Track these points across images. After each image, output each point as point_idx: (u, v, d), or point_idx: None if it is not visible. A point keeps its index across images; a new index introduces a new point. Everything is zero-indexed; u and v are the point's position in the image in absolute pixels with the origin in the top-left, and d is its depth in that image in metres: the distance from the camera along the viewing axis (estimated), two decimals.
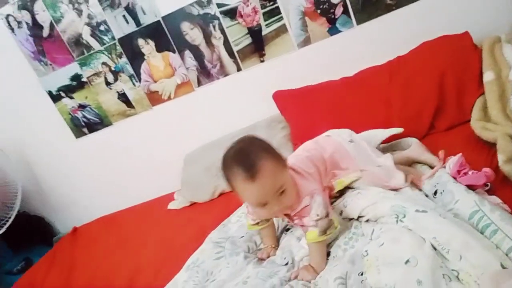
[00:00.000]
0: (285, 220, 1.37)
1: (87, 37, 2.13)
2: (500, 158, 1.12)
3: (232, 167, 1.04)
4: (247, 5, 1.88)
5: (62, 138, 2.42)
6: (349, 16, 1.82)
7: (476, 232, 0.91)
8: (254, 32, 1.94)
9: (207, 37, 1.99)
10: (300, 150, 1.28)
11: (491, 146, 1.24)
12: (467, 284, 0.82)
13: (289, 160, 1.18)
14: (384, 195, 1.10)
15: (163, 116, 2.23)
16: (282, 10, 1.87)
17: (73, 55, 2.19)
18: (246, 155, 1.04)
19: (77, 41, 2.15)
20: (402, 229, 0.98)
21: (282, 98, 1.96)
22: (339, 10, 1.82)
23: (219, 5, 1.91)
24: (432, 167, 1.30)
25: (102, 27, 2.08)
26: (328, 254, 1.14)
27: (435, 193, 1.12)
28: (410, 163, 1.37)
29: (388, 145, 1.51)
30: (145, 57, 2.11)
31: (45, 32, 2.17)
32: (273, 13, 1.88)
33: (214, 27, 1.96)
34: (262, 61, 2.00)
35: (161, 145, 2.29)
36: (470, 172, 1.06)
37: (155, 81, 2.16)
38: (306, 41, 1.91)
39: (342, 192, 1.27)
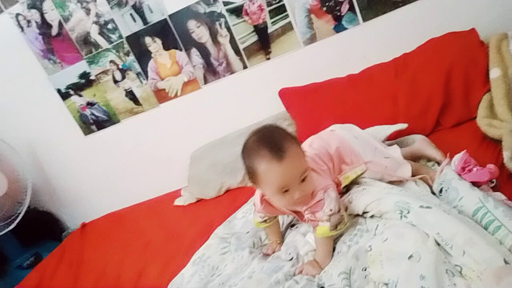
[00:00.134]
0: (290, 216, 1.38)
1: (95, 35, 2.15)
2: (506, 155, 1.12)
3: (258, 149, 1.03)
4: (253, 3, 1.89)
5: (71, 135, 2.45)
6: (355, 13, 1.82)
7: (480, 228, 0.91)
8: (260, 30, 1.94)
9: (214, 35, 2.00)
10: (306, 146, 1.28)
11: (497, 143, 1.24)
12: (470, 279, 0.82)
13: None
14: (389, 191, 1.11)
15: (170, 113, 2.25)
16: (288, 7, 1.87)
17: (82, 53, 2.21)
18: (272, 138, 1.05)
19: (85, 40, 2.17)
20: (406, 224, 0.98)
21: (288, 96, 1.96)
22: (345, 7, 1.82)
23: (225, 3, 1.92)
24: (438, 163, 1.31)
25: (109, 26, 2.10)
26: (333, 249, 1.14)
27: (441, 191, 1.12)
28: (416, 158, 1.37)
29: (393, 142, 1.51)
30: (152, 55, 2.13)
31: (54, 31, 2.20)
32: (279, 10, 1.89)
33: (220, 25, 1.97)
34: (268, 59, 2.00)
35: (168, 142, 2.31)
36: (474, 169, 1.06)
37: (162, 79, 2.18)
38: (312, 39, 1.92)
39: (347, 188, 1.27)
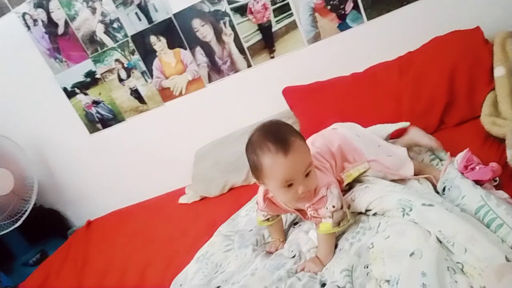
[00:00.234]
0: (293, 214, 1.38)
1: (100, 34, 2.16)
2: (509, 153, 1.12)
3: (263, 143, 1.03)
4: (257, 2, 1.89)
5: (77, 134, 2.47)
6: (359, 12, 1.81)
7: (482, 226, 0.91)
8: (264, 29, 1.95)
9: (218, 33, 2.01)
10: (308, 145, 1.27)
11: (500, 142, 1.23)
12: (472, 276, 0.82)
13: None
14: (391, 189, 1.11)
15: (175, 112, 2.26)
16: (292, 6, 1.87)
17: (87, 52, 2.23)
18: (277, 132, 1.06)
19: (91, 39, 2.19)
20: (408, 222, 0.98)
21: (291, 94, 1.97)
22: (349, 6, 1.82)
23: (229, 2, 1.92)
24: (433, 151, 1.35)
25: (115, 25, 2.12)
26: (336, 246, 1.15)
27: (444, 189, 1.12)
28: (411, 148, 1.38)
29: (396, 141, 1.50)
30: (157, 53, 2.14)
31: (60, 30, 2.22)
32: (283, 9, 1.89)
33: (224, 23, 1.98)
34: (272, 57, 2.01)
35: (173, 141, 2.33)
36: (477, 167, 1.05)
37: (166, 78, 2.19)
38: (316, 37, 1.92)
39: (350, 186, 1.28)
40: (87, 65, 2.26)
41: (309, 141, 1.32)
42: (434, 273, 0.81)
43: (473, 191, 1.00)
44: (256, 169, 1.08)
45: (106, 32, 2.15)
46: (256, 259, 1.26)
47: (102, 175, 2.56)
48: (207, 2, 1.95)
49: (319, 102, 1.84)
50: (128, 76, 2.24)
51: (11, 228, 2.29)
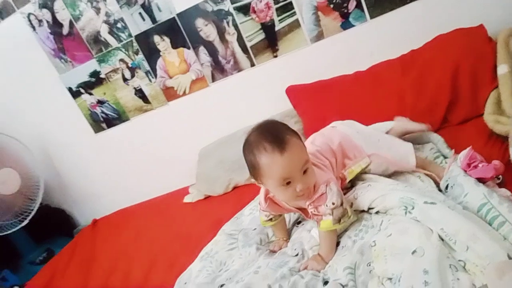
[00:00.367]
0: (296, 214, 1.39)
1: (105, 34, 2.18)
2: None
3: (259, 143, 1.05)
4: (260, 1, 1.90)
5: (82, 133, 2.49)
6: (363, 10, 1.81)
7: (484, 223, 0.91)
8: (267, 28, 1.95)
9: (221, 33, 2.02)
10: (308, 144, 1.29)
11: (504, 140, 1.23)
12: (474, 274, 0.82)
13: None
14: (394, 187, 1.11)
15: (179, 111, 2.27)
16: (295, 5, 1.87)
17: (92, 52, 2.25)
18: (273, 131, 1.07)
19: (96, 39, 2.20)
20: (410, 220, 0.99)
21: (295, 93, 1.97)
22: (352, 4, 1.82)
23: (232, 1, 1.93)
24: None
25: (119, 25, 2.13)
26: (338, 244, 1.15)
27: (447, 187, 1.12)
28: (400, 137, 1.41)
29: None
30: (161, 53, 2.15)
31: (65, 30, 2.23)
32: (286, 8, 1.89)
33: (227, 23, 1.99)
34: (275, 56, 2.01)
35: (177, 140, 2.34)
36: (480, 165, 1.05)
37: (170, 77, 2.20)
38: (319, 36, 1.92)
39: (352, 184, 1.28)
40: (92, 65, 2.28)
41: (309, 140, 1.33)
42: (436, 270, 0.81)
43: (476, 189, 1.00)
44: (254, 169, 1.09)
45: (111, 32, 2.16)
46: (260, 258, 1.26)
47: (107, 174, 2.57)
48: (210, 2, 1.96)
49: (322, 101, 1.84)
50: (132, 75, 2.26)
51: (17, 227, 2.31)
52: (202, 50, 2.09)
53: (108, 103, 2.37)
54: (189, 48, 2.10)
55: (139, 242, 1.91)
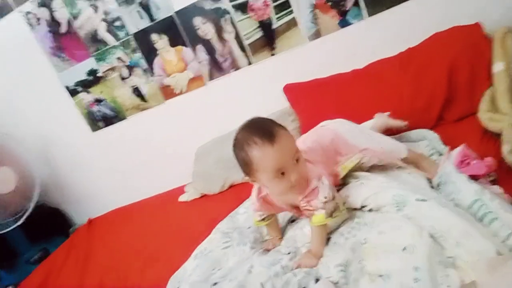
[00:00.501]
0: (290, 213, 1.38)
1: (102, 33, 2.17)
2: (505, 148, 1.11)
3: (249, 138, 1.05)
4: None
5: (79, 132, 2.48)
6: (360, 8, 1.81)
7: (475, 220, 0.91)
8: (265, 26, 1.95)
9: (219, 31, 2.01)
10: (299, 143, 1.28)
11: (497, 137, 1.22)
12: (463, 270, 0.82)
13: None
14: (387, 185, 1.11)
15: (176, 109, 2.27)
16: (292, 3, 1.87)
17: (90, 51, 2.24)
18: (261, 125, 1.09)
19: (93, 37, 2.20)
20: (401, 217, 0.99)
21: (292, 91, 1.96)
22: (349, 2, 1.81)
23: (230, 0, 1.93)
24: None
25: (117, 23, 2.13)
26: (328, 239, 1.15)
27: (439, 184, 1.11)
28: (382, 132, 1.45)
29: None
30: (159, 51, 2.15)
31: (63, 29, 2.23)
32: (284, 6, 1.89)
33: (225, 21, 1.98)
34: (273, 55, 2.01)
35: (174, 138, 2.33)
36: (473, 162, 1.05)
37: (168, 76, 2.20)
38: (317, 34, 1.91)
39: (345, 182, 1.27)
40: (90, 63, 2.28)
41: (300, 139, 1.34)
42: (426, 267, 0.81)
43: (468, 186, 0.99)
44: (246, 165, 1.09)
45: (108, 31, 2.16)
46: (253, 256, 1.26)
47: (104, 173, 2.57)
48: (208, 0, 1.95)
49: (320, 99, 1.84)
50: (130, 74, 2.25)
51: (13, 226, 2.30)
52: (200, 48, 2.08)
53: (105, 102, 2.37)
54: (187, 47, 2.09)
55: (135, 241, 1.90)
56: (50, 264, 2.12)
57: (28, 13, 2.24)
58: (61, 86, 2.38)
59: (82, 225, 2.44)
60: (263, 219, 1.30)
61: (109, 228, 2.20)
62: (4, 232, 2.28)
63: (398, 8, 1.76)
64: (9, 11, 2.26)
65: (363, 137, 1.32)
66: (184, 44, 2.09)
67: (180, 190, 2.14)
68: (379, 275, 0.89)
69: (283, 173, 1.05)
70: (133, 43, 2.16)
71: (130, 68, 2.23)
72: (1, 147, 2.32)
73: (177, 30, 2.06)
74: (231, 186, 1.95)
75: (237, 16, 1.96)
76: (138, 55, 2.19)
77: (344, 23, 1.86)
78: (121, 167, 2.50)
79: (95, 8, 2.13)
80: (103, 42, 2.20)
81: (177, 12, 2.02)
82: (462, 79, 1.54)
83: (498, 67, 1.42)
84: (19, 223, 2.32)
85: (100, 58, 2.25)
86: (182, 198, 2.06)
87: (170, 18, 2.04)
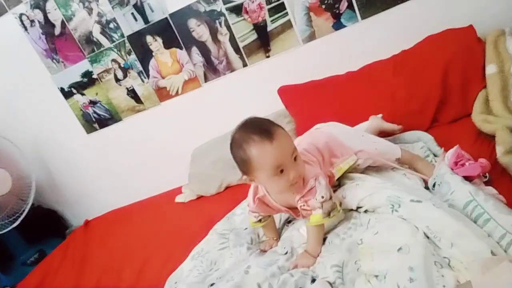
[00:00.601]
0: (287, 214, 1.40)
1: (97, 34, 2.18)
2: (499, 150, 1.13)
3: (247, 138, 1.06)
4: (253, 2, 1.90)
5: (74, 134, 2.49)
6: (354, 11, 1.82)
7: (469, 221, 0.92)
8: (260, 28, 1.96)
9: (214, 33, 2.02)
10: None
11: (491, 139, 1.24)
12: (458, 271, 0.83)
13: None
14: (382, 186, 1.12)
15: (171, 111, 2.27)
16: (287, 5, 1.88)
17: (84, 53, 2.24)
18: (258, 124, 1.10)
19: (88, 39, 2.20)
20: (396, 218, 1.00)
21: (287, 93, 1.98)
22: (343, 5, 1.83)
23: (225, 2, 1.93)
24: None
25: (111, 25, 2.13)
26: (324, 239, 1.16)
27: (434, 185, 1.14)
28: (376, 134, 1.48)
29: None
30: (153, 53, 2.15)
31: (57, 30, 2.23)
32: (278, 9, 1.90)
33: (220, 23, 1.99)
34: (267, 57, 2.02)
35: (169, 140, 2.34)
36: (467, 163, 1.07)
37: (163, 77, 2.20)
38: (311, 37, 1.93)
39: (340, 183, 1.29)
40: (84, 65, 2.28)
41: (295, 142, 1.33)
42: (422, 267, 0.82)
43: (462, 187, 1.01)
44: (245, 164, 1.09)
45: (103, 33, 2.16)
46: (250, 257, 1.27)
47: (100, 175, 2.57)
48: (202, 2, 1.96)
49: (314, 101, 1.85)
50: (125, 76, 2.25)
51: (9, 228, 2.30)
52: (194, 50, 2.09)
53: (100, 104, 2.37)
54: (181, 49, 2.10)
55: (132, 242, 1.90)
56: (46, 266, 2.12)
57: (21, 15, 2.24)
58: (56, 88, 2.38)
59: (78, 226, 2.44)
60: (259, 220, 1.31)
61: (106, 229, 2.20)
62: (0, 234, 2.27)
63: (392, 10, 1.78)
64: (3, 13, 2.25)
65: (357, 139, 1.33)
66: (179, 46, 2.10)
67: (177, 191, 2.15)
68: (375, 275, 0.90)
69: (281, 171, 1.06)
70: (128, 45, 2.16)
71: (125, 70, 2.24)
72: None
73: (172, 32, 2.07)
74: (227, 188, 1.96)
75: (232, 18, 1.97)
76: (132, 57, 2.19)
77: (338, 26, 1.87)
78: (117, 168, 2.50)
79: (89, 10, 2.13)
80: (97, 44, 2.20)
81: (171, 14, 2.03)
82: (456, 81, 1.56)
83: (491, 69, 1.45)
84: (15, 224, 2.32)
85: (94, 60, 2.25)
86: (179, 199, 2.07)
87: (164, 20, 2.05)
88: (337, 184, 1.30)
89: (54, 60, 2.31)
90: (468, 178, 1.06)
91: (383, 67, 1.76)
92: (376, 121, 1.54)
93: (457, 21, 1.66)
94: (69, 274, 1.92)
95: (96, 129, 2.45)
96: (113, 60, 2.22)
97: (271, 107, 2.02)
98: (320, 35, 1.92)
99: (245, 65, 2.06)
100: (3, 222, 2.29)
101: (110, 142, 2.46)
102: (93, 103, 2.37)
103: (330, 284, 0.98)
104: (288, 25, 1.93)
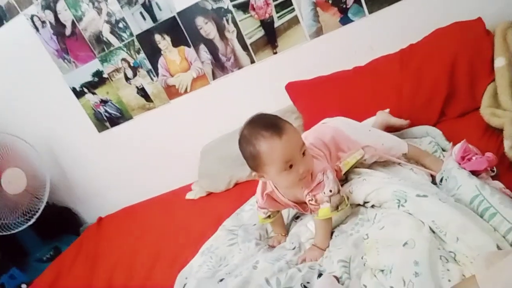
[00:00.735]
0: (295, 210, 1.40)
1: (107, 34, 2.20)
2: (507, 144, 1.12)
3: (256, 133, 1.08)
4: None
5: (86, 132, 2.53)
6: (361, 5, 1.81)
7: (475, 215, 0.92)
8: (267, 25, 1.96)
9: (221, 30, 2.03)
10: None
11: (499, 133, 1.23)
12: (463, 265, 0.83)
13: None
14: (388, 180, 1.12)
15: (180, 109, 2.29)
16: (293, 1, 1.88)
17: (94, 52, 2.27)
18: (266, 120, 1.12)
19: (98, 39, 2.23)
20: (402, 213, 1.00)
21: (294, 89, 1.98)
22: (350, 0, 1.82)
23: None
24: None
25: (120, 24, 2.15)
26: (332, 234, 1.17)
27: (441, 180, 1.13)
28: (383, 129, 1.47)
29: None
30: (162, 52, 2.17)
31: (68, 31, 2.26)
32: (285, 5, 1.90)
33: (227, 20, 2.00)
34: (275, 53, 2.02)
35: (179, 137, 2.36)
36: (474, 158, 1.06)
37: (171, 75, 2.22)
38: (318, 32, 1.92)
39: (348, 178, 1.29)
40: (95, 65, 2.31)
41: (302, 137, 1.34)
42: (427, 262, 0.83)
43: (469, 181, 1.00)
44: (254, 160, 1.11)
45: (112, 32, 2.19)
46: (258, 253, 1.28)
47: (112, 173, 2.61)
48: (210, 0, 1.97)
49: (322, 97, 1.85)
50: (135, 75, 2.28)
51: (25, 226, 2.35)
52: (202, 48, 2.10)
53: (111, 102, 2.40)
54: (189, 46, 2.11)
55: (143, 239, 1.93)
56: (61, 262, 2.16)
57: (33, 16, 2.28)
58: (67, 88, 2.41)
59: (92, 223, 2.48)
60: (268, 217, 1.33)
61: (118, 226, 2.24)
62: (16, 231, 2.33)
63: (399, 4, 1.76)
64: (15, 15, 2.29)
65: (364, 134, 1.34)
66: (187, 44, 2.11)
67: (187, 189, 2.17)
68: (380, 269, 0.91)
69: (291, 166, 1.08)
70: (137, 44, 2.19)
71: (134, 68, 2.26)
72: (11, 148, 2.37)
73: (179, 30, 2.08)
74: (236, 184, 1.97)
75: (239, 15, 1.97)
76: (142, 56, 2.21)
77: (345, 21, 1.86)
78: (128, 166, 2.53)
79: (99, 10, 2.15)
80: (107, 44, 2.23)
81: (179, 13, 2.04)
82: (464, 75, 1.54)
83: (499, 62, 1.42)
84: (31, 222, 2.37)
85: (104, 60, 2.28)
86: (189, 195, 2.09)
87: (172, 18, 2.06)
88: (344, 179, 1.30)
89: (66, 60, 2.35)
90: (475, 173, 1.05)
91: (390, 61, 1.74)
92: (383, 116, 1.54)
93: (465, 13, 1.63)
94: (83, 270, 1.96)
95: (107, 128, 2.49)
96: (123, 59, 2.25)
97: (279, 103, 2.03)
98: (327, 30, 1.91)
99: (252, 61, 2.07)
100: (19, 220, 2.34)
101: (121, 140, 2.49)
102: (104, 102, 2.41)
103: (337, 278, 0.99)
104: (295, 21, 1.93)
